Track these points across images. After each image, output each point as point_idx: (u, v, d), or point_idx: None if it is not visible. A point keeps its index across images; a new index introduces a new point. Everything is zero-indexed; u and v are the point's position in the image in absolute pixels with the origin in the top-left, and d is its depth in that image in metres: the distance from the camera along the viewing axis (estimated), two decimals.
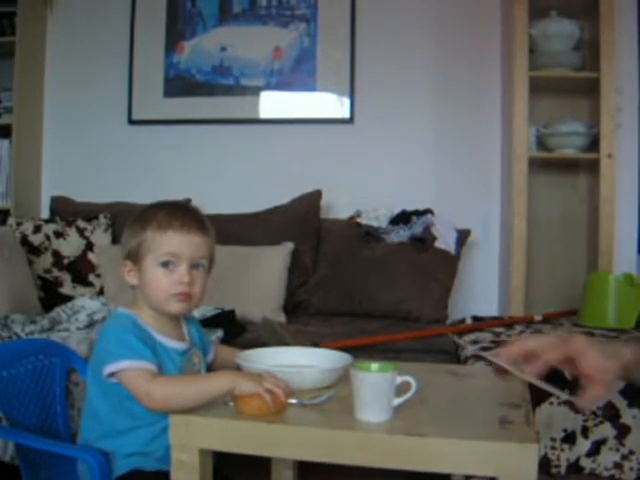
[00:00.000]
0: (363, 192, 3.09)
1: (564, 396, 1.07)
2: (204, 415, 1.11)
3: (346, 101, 3.16)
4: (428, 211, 2.90)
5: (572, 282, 2.81)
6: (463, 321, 2.57)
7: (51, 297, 2.76)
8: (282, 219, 2.92)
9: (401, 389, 1.10)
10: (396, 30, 3.15)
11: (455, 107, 3.13)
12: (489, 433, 1.03)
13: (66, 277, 2.82)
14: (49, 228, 2.86)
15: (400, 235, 2.84)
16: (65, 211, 3.03)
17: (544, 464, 1.67)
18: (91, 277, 2.83)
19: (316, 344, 1.76)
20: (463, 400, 1.25)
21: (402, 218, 2.92)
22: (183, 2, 3.25)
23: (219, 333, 2.12)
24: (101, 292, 2.75)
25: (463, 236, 2.87)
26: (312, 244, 2.90)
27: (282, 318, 2.55)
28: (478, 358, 1.91)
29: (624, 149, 2.85)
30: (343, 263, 2.79)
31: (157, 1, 3.25)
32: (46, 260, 2.81)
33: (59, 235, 2.85)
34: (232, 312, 2.36)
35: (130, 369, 1.18)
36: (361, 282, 2.71)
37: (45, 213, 3.23)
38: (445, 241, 2.76)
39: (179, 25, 3.25)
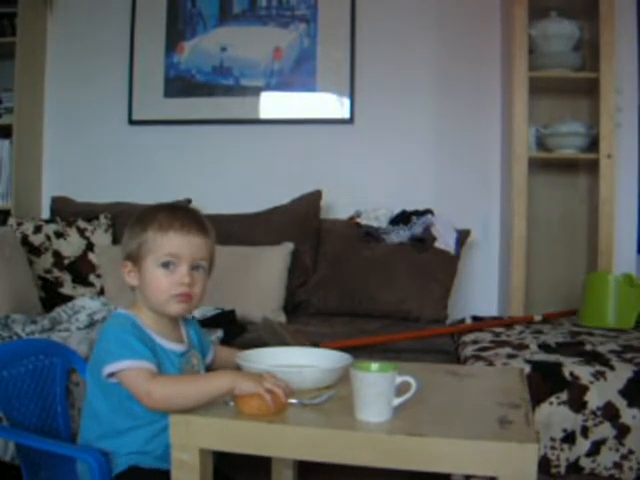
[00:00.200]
0: (363, 192, 3.09)
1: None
2: (204, 415, 1.11)
3: (346, 101, 3.16)
4: (428, 211, 2.90)
5: (572, 282, 2.82)
6: (463, 321, 2.57)
7: (51, 297, 2.76)
8: (282, 219, 2.92)
9: (401, 389, 1.10)
10: (396, 30, 3.15)
11: (455, 107, 3.13)
12: (489, 433, 1.03)
13: (66, 277, 2.82)
14: (49, 228, 2.86)
15: (400, 235, 2.84)
16: (65, 211, 3.04)
17: (544, 464, 1.67)
18: (91, 277, 2.84)
19: (316, 344, 1.76)
20: (463, 400, 1.26)
21: (402, 218, 2.92)
22: (183, 2, 3.25)
23: (219, 333, 2.12)
24: (101, 292, 2.75)
25: (463, 236, 2.88)
26: (312, 244, 2.90)
27: (282, 318, 2.56)
28: (478, 358, 1.91)
29: (623, 149, 2.85)
30: (343, 263, 2.79)
31: (157, 1, 3.25)
32: (46, 260, 2.81)
33: (59, 235, 2.85)
34: (232, 312, 2.36)
35: (130, 369, 1.18)
36: (361, 282, 2.71)
37: (45, 213, 3.23)
38: (445, 241, 2.77)
39: (179, 25, 3.25)
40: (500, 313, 2.92)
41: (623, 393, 1.69)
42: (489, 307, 3.00)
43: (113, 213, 2.98)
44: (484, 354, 1.94)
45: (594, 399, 1.70)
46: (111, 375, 1.20)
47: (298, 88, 3.18)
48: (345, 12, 3.14)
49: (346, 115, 3.17)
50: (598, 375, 1.73)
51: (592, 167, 2.80)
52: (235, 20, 3.22)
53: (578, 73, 2.82)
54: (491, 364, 1.84)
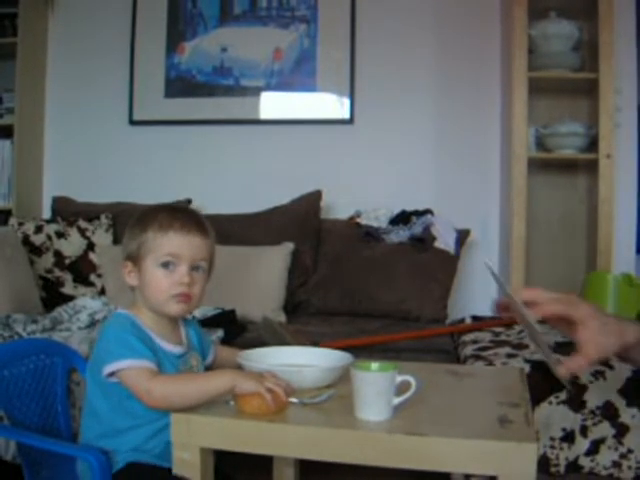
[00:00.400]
0: (363, 192, 3.09)
1: (551, 357, 1.07)
2: (205, 414, 1.11)
3: (346, 101, 3.16)
4: (428, 211, 2.91)
5: (571, 282, 2.81)
6: (463, 321, 2.58)
7: (52, 297, 2.77)
8: (282, 219, 2.93)
9: (401, 388, 1.11)
10: (396, 30, 3.16)
11: (455, 107, 3.13)
12: (489, 432, 1.03)
13: (67, 277, 2.83)
14: (50, 228, 2.87)
15: (400, 235, 2.85)
16: (66, 211, 3.04)
17: (543, 463, 1.68)
18: (92, 277, 2.84)
19: (316, 344, 1.77)
20: (463, 400, 1.26)
21: (402, 218, 2.93)
22: (184, 3, 3.25)
23: (219, 333, 2.13)
24: (102, 292, 2.76)
25: (463, 236, 2.88)
26: (312, 244, 2.91)
27: (282, 318, 2.56)
28: (478, 358, 1.92)
29: (623, 149, 2.86)
30: (343, 263, 2.80)
31: (158, 2, 3.26)
32: (47, 260, 2.82)
33: (60, 235, 2.86)
34: (232, 312, 2.37)
35: (130, 368, 1.19)
36: (361, 282, 2.71)
37: (46, 213, 3.23)
38: (445, 241, 2.77)
39: (180, 26, 3.26)
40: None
41: (622, 392, 1.70)
42: (489, 307, 3.00)
43: (114, 213, 2.98)
44: (484, 354, 1.94)
45: (593, 398, 1.70)
46: (111, 375, 1.21)
47: (298, 88, 3.19)
48: (345, 12, 3.15)
49: (346, 115, 3.17)
50: (597, 374, 1.73)
51: (591, 167, 2.81)
52: (235, 21, 3.22)
53: (577, 73, 2.82)
54: (491, 364, 1.84)
